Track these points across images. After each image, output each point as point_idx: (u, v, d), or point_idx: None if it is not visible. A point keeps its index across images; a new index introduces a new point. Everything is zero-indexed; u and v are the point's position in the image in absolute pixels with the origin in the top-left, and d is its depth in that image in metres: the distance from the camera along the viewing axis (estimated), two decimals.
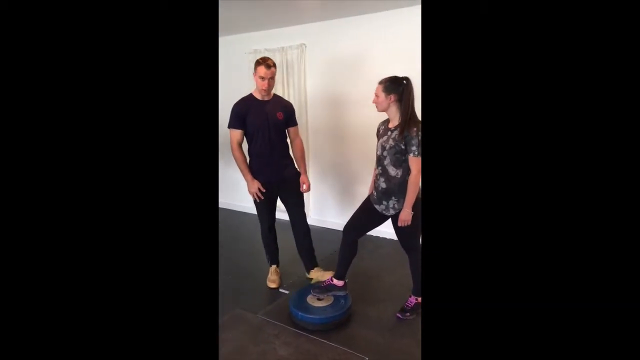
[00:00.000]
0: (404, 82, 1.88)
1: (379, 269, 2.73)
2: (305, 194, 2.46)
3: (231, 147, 2.27)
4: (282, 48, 3.43)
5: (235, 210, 4.17)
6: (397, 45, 2.91)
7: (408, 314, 2.10)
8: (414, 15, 2.79)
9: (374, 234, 2.99)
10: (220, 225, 3.65)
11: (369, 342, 1.92)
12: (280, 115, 2.28)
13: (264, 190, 2.28)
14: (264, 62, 2.16)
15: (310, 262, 2.53)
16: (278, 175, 2.33)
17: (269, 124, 2.25)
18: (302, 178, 2.40)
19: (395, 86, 1.87)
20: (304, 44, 3.34)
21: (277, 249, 2.56)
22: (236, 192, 4.14)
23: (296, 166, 2.43)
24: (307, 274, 2.55)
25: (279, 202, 2.46)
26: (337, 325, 2.02)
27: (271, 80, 2.20)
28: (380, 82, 1.91)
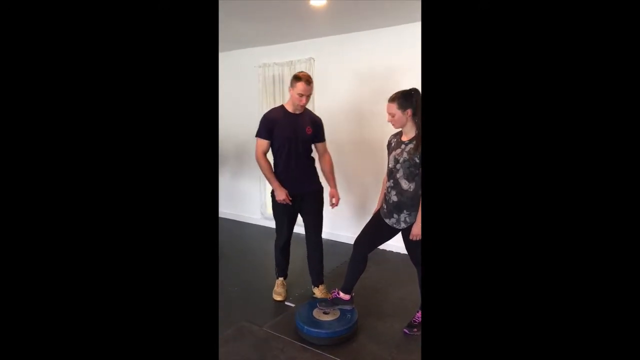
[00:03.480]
0: (414, 93, 1.86)
1: (386, 283, 2.70)
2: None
3: (256, 155, 2.29)
4: (291, 62, 3.48)
5: (241, 222, 4.17)
6: (404, 59, 2.93)
7: (415, 329, 2.07)
8: (419, 31, 2.82)
9: (381, 248, 2.97)
10: (226, 236, 3.68)
11: (375, 357, 1.89)
12: (309, 130, 2.28)
13: (291, 199, 2.28)
14: (304, 78, 2.16)
15: (317, 278, 2.50)
16: (301, 189, 2.33)
17: (297, 138, 2.25)
18: (331, 192, 2.39)
19: (409, 100, 1.84)
20: (313, 58, 3.38)
21: (287, 262, 2.54)
22: (243, 203, 4.16)
23: (321, 181, 2.42)
24: (313, 289, 2.53)
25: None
26: (343, 339, 1.99)
27: (308, 97, 2.22)
28: (392, 100, 1.86)
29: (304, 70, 3.42)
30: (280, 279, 2.55)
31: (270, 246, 3.56)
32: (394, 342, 2.01)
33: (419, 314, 2.11)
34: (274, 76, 3.65)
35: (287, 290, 2.52)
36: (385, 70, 3.05)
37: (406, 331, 2.07)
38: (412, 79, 2.87)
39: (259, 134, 2.27)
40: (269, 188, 3.91)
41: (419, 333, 2.06)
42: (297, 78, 2.17)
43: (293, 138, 2.24)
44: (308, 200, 2.36)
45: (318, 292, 2.47)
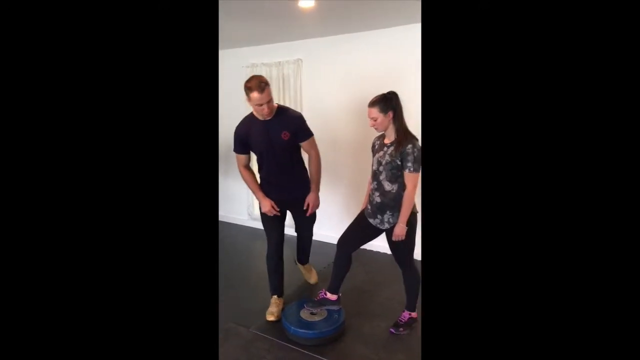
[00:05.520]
0: (392, 96, 1.89)
1: (373, 283, 2.72)
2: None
3: (238, 169, 2.20)
4: (279, 62, 3.48)
5: (229, 223, 4.14)
6: (393, 62, 2.96)
7: (402, 329, 2.09)
8: (409, 33, 2.85)
9: (368, 248, 2.99)
10: None
11: (362, 357, 1.90)
12: (285, 135, 2.05)
13: (278, 209, 2.18)
14: (256, 86, 1.87)
15: (306, 258, 2.55)
16: (289, 195, 2.22)
17: (273, 146, 2.07)
18: (309, 196, 2.20)
19: (390, 103, 1.87)
20: (301, 59, 3.39)
21: (282, 276, 2.32)
22: (232, 204, 4.13)
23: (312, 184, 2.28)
24: (296, 262, 2.57)
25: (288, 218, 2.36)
26: (330, 340, 2.00)
27: (269, 103, 1.95)
28: (373, 104, 1.88)
29: (291, 71, 3.41)
30: (275, 296, 2.32)
31: (257, 247, 3.55)
32: (381, 341, 2.03)
33: (405, 314, 2.14)
34: None
35: (282, 310, 2.25)
36: (374, 73, 3.08)
37: (392, 330, 2.09)
38: (401, 81, 2.90)
39: (235, 149, 2.16)
40: None
41: (405, 332, 2.08)
42: (248, 88, 1.90)
43: (269, 147, 2.07)
44: (298, 207, 2.27)
45: (302, 268, 2.54)
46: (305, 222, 2.35)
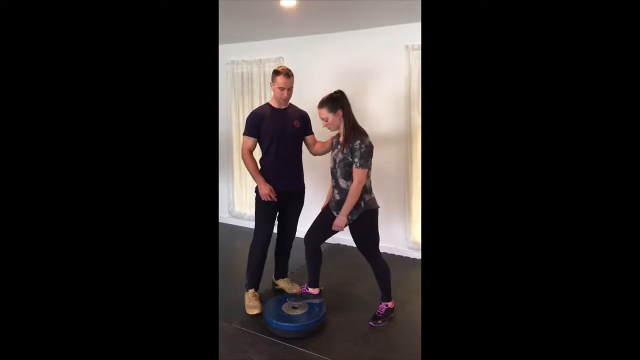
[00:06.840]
0: (340, 95, 1.98)
1: (353, 277, 2.79)
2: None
3: (242, 152, 2.29)
4: (260, 60, 3.49)
5: None
6: (373, 61, 3.03)
7: (380, 321, 2.17)
8: (390, 34, 2.93)
9: (348, 244, 3.06)
10: None
11: (343, 349, 1.96)
12: (297, 123, 2.29)
13: (275, 195, 2.25)
14: (283, 72, 2.18)
15: (283, 270, 2.56)
16: (289, 186, 2.32)
17: (286, 132, 2.26)
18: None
19: (338, 102, 1.97)
20: (282, 57, 3.41)
21: (262, 272, 2.40)
22: None
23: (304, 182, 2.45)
24: (274, 279, 2.57)
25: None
26: (311, 333, 2.06)
27: (290, 90, 2.22)
28: (322, 105, 1.99)
29: (272, 69, 3.41)
30: (252, 290, 2.36)
31: (238, 244, 3.55)
32: (360, 333, 2.10)
33: (382, 306, 2.21)
34: (242, 74, 3.65)
35: (262, 302, 2.31)
36: (354, 71, 3.14)
37: (371, 324, 2.16)
38: (382, 80, 2.98)
39: (246, 132, 2.26)
40: (237, 186, 3.94)
41: (384, 324, 2.16)
42: (276, 72, 2.20)
43: (282, 133, 2.25)
44: (292, 201, 2.38)
45: (282, 283, 2.54)
46: (293, 218, 2.45)
